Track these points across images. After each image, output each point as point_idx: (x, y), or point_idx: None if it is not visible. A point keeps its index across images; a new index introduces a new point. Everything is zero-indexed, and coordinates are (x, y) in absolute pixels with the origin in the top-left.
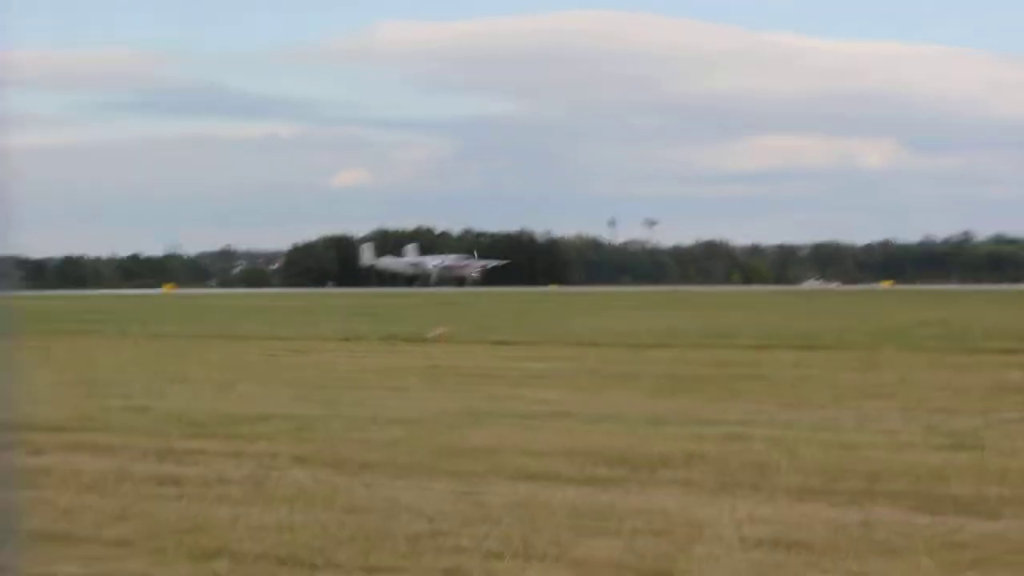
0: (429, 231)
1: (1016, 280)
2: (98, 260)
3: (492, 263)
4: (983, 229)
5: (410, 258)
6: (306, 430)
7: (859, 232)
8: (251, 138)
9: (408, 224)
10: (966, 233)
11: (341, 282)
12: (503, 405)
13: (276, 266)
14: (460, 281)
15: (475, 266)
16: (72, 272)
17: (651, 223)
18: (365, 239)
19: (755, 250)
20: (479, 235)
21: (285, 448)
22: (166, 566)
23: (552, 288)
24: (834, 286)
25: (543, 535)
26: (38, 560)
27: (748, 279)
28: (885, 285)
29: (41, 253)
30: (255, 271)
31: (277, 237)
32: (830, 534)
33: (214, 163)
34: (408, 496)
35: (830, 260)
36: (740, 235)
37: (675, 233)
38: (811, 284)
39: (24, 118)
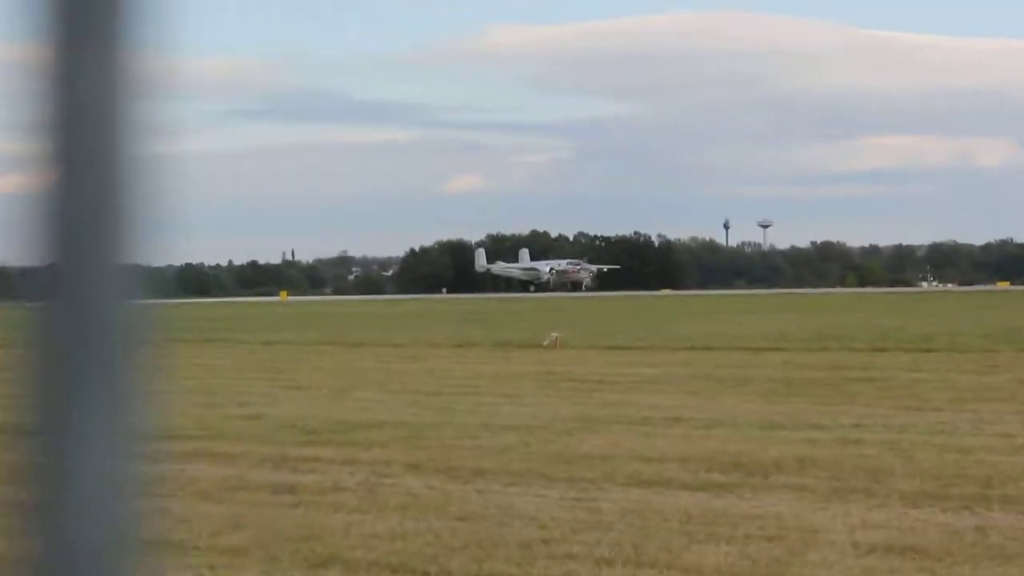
0: (544, 235)
1: None
2: (217, 267)
3: (605, 267)
4: None
5: (524, 263)
6: (419, 437)
7: (977, 232)
8: (368, 143)
9: (523, 228)
10: None
11: (455, 288)
12: (616, 411)
13: (391, 272)
14: (574, 286)
15: (588, 270)
16: (191, 280)
17: (765, 225)
18: (479, 244)
19: (871, 251)
20: (594, 238)
21: (398, 455)
22: (279, 574)
23: (665, 292)
24: (950, 287)
25: (655, 541)
26: (152, 569)
27: (863, 281)
28: (1002, 285)
29: (160, 261)
30: (370, 278)
31: (393, 243)
32: (944, 539)
33: (331, 169)
34: (521, 503)
35: (947, 260)
36: (856, 236)
37: (790, 235)
38: (927, 285)
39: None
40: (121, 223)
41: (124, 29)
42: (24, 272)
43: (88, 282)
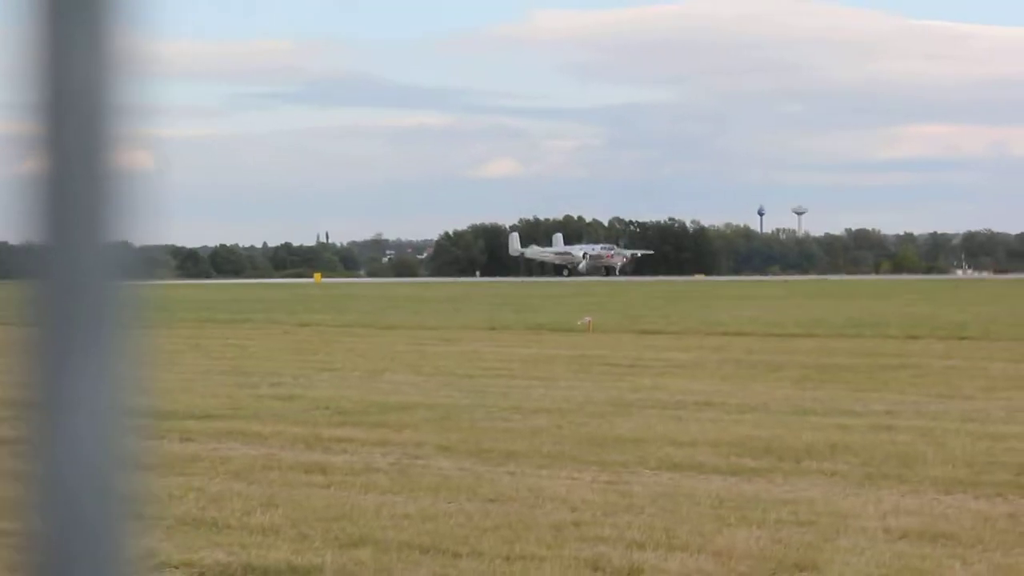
0: (579, 220)
1: None
2: (251, 249)
3: (639, 252)
4: None
5: (558, 247)
6: (451, 419)
7: (1013, 221)
8: (403, 127)
9: (557, 213)
10: None
11: (489, 271)
12: (649, 395)
13: (425, 255)
14: (608, 270)
15: (622, 255)
16: (225, 261)
17: (800, 211)
18: (513, 228)
19: (906, 239)
20: (628, 224)
21: (430, 437)
22: (311, 553)
23: (698, 277)
24: (985, 275)
25: (686, 525)
26: (186, 546)
27: (898, 268)
28: None
29: (195, 242)
30: (404, 260)
31: (427, 226)
32: (976, 526)
33: (366, 153)
34: (552, 486)
35: (982, 249)
36: (891, 224)
37: (825, 222)
38: (962, 273)
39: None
40: (111, 204)
41: (114, 10)
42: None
43: (80, 262)
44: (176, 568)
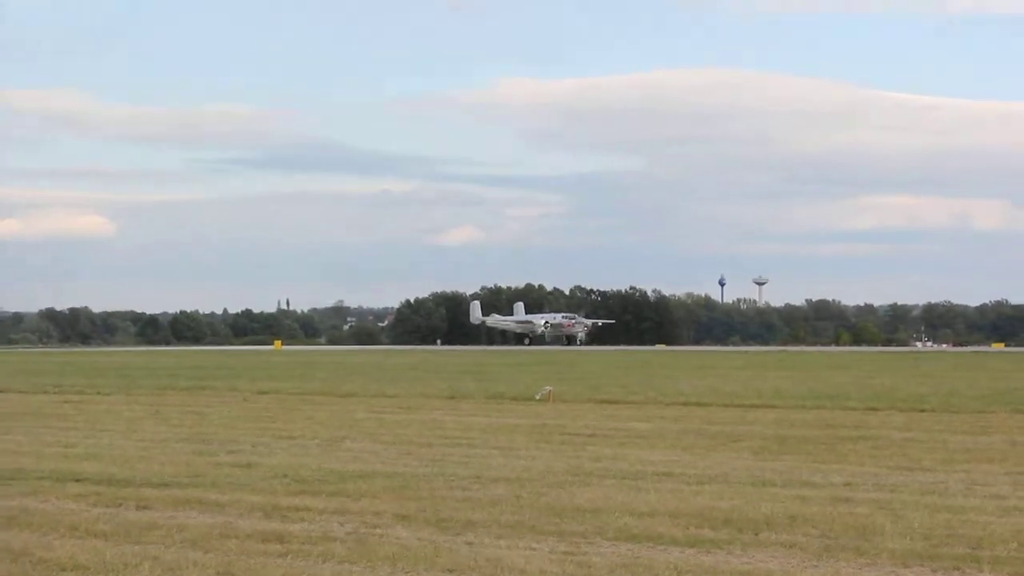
0: (540, 288)
1: None
2: (212, 315)
3: (600, 321)
4: None
5: (519, 316)
6: (410, 488)
7: (972, 293)
8: (365, 194)
9: (518, 281)
10: None
11: (450, 339)
12: (608, 465)
13: (386, 323)
14: (569, 339)
15: (583, 324)
16: (185, 327)
17: (761, 282)
18: (475, 296)
19: (866, 310)
20: (589, 292)
21: (389, 506)
22: None
23: (659, 347)
24: (944, 347)
25: None
26: None
27: (858, 339)
28: (997, 347)
29: (156, 308)
30: (365, 328)
31: (388, 294)
32: None
33: (327, 219)
34: (511, 556)
35: (942, 321)
36: (851, 295)
37: (785, 292)
38: (921, 345)
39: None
40: None
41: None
42: None
43: None
44: None
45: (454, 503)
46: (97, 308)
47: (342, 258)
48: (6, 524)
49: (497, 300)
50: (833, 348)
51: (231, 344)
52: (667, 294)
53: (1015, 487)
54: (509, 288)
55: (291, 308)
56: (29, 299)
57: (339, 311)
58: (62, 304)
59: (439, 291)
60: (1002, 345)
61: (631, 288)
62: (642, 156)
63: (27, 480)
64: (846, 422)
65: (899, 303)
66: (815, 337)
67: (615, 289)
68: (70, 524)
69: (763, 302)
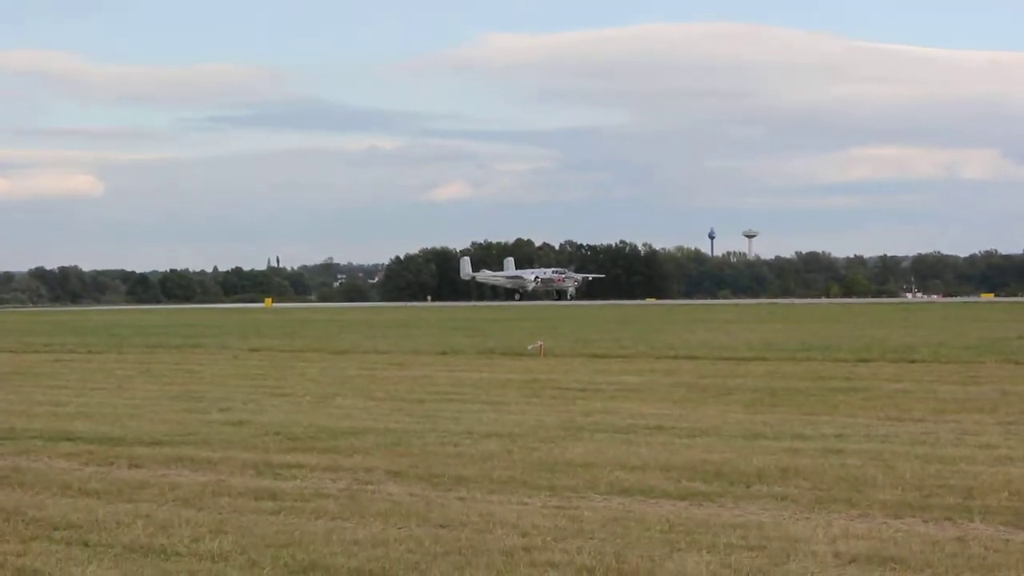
0: (530, 243)
1: None
2: (202, 274)
3: (590, 276)
4: None
5: (509, 271)
6: (402, 444)
7: (962, 243)
8: (354, 151)
9: (508, 237)
10: None
11: (440, 296)
12: (599, 419)
13: (376, 280)
14: (559, 294)
15: (574, 279)
16: (176, 286)
17: (750, 235)
18: (464, 252)
19: (856, 261)
20: (579, 247)
21: (381, 462)
22: None
23: (650, 301)
24: (934, 298)
25: (636, 550)
26: (134, 574)
27: (847, 291)
28: (986, 297)
29: (146, 267)
30: (355, 285)
31: (378, 251)
32: (925, 550)
33: (317, 177)
34: (503, 511)
35: (932, 272)
36: (841, 247)
37: (775, 245)
38: (911, 296)
39: (137, 134)
40: None
41: None
42: None
43: None
44: None
45: (446, 459)
46: (87, 267)
47: (332, 215)
48: None
49: (487, 256)
50: (823, 300)
51: (221, 302)
52: (657, 248)
53: (1005, 436)
54: (499, 243)
55: (281, 266)
56: (19, 258)
57: (329, 268)
58: (52, 263)
59: (429, 247)
60: (992, 295)
61: (621, 242)
62: (631, 110)
63: (18, 439)
64: (837, 374)
65: (889, 254)
66: (805, 289)
67: (605, 243)
68: (62, 483)
69: (753, 255)
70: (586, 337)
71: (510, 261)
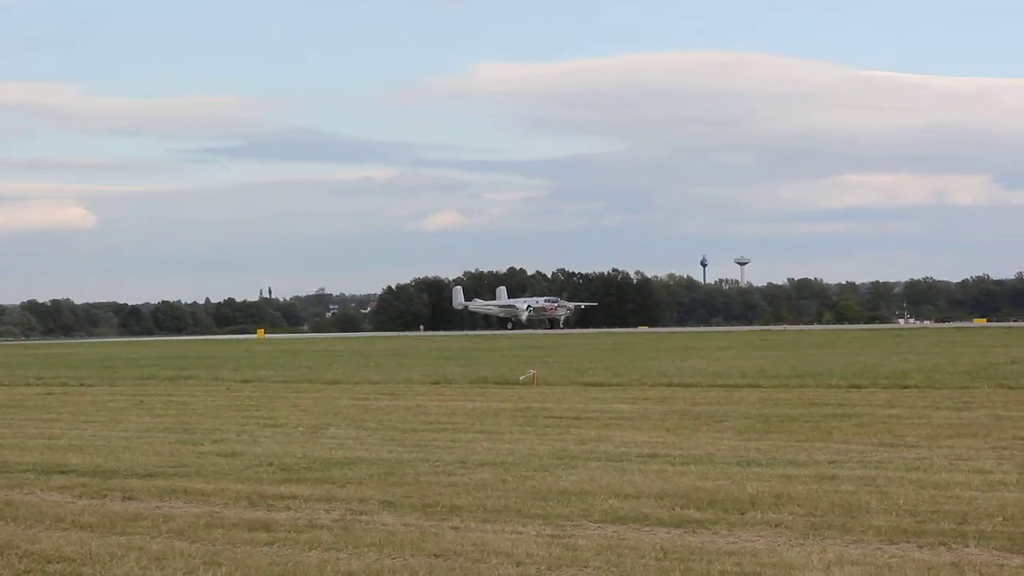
0: (522, 272)
1: None
2: (194, 305)
3: (583, 304)
4: None
5: (501, 300)
6: (395, 474)
7: (954, 269)
8: (345, 181)
9: (500, 266)
10: None
11: (433, 325)
12: (593, 447)
13: (368, 310)
14: (552, 323)
15: (566, 307)
16: (168, 317)
17: (742, 262)
18: (457, 281)
19: (848, 288)
20: (572, 275)
21: (374, 492)
22: None
23: (642, 329)
24: (926, 323)
25: None
26: None
27: (840, 318)
28: (979, 322)
29: (138, 299)
30: (347, 315)
31: (370, 281)
32: (920, 575)
33: (309, 208)
34: (497, 540)
35: (923, 297)
36: (833, 273)
37: (767, 272)
38: (904, 322)
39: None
40: None
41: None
42: None
43: None
44: None
45: (439, 488)
46: (79, 300)
47: (323, 246)
48: None
49: (479, 285)
50: (816, 327)
51: (214, 334)
52: (649, 276)
53: (999, 462)
54: (491, 272)
55: (273, 297)
56: (11, 291)
57: (321, 299)
58: (44, 296)
59: (421, 277)
60: (984, 320)
61: (613, 270)
62: (622, 138)
63: (11, 473)
64: (830, 400)
65: (881, 280)
66: (797, 316)
67: (597, 272)
68: (55, 516)
69: (745, 282)
70: (579, 366)
71: (502, 290)
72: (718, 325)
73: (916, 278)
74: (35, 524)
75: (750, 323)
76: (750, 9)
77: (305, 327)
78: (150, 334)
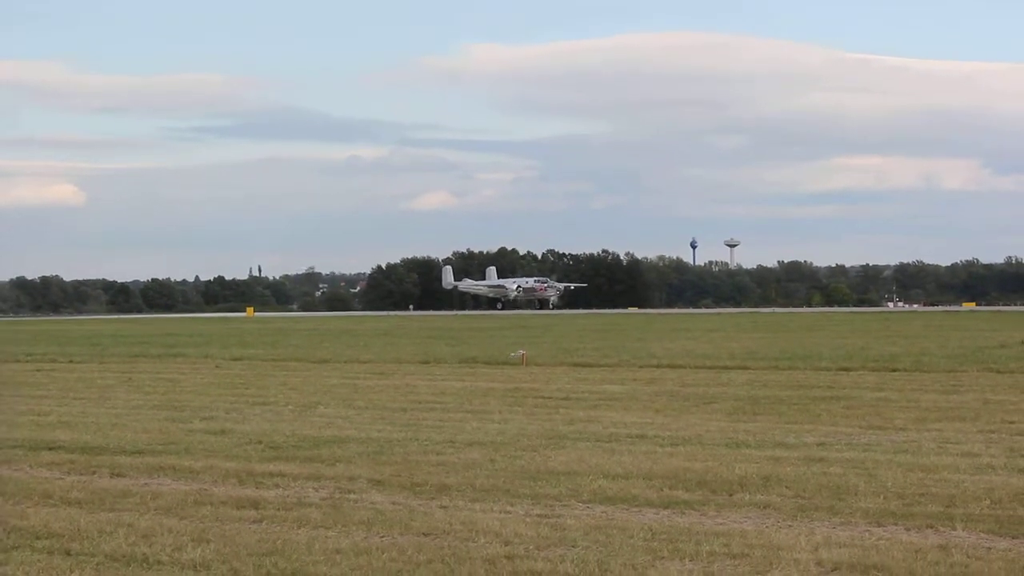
0: (512, 252)
1: None
2: (183, 283)
3: (572, 285)
4: None
5: (491, 280)
6: (384, 453)
7: (943, 253)
8: (335, 160)
9: (490, 246)
10: None
11: (422, 305)
12: (582, 428)
13: (358, 289)
14: (541, 303)
15: (556, 288)
16: (157, 295)
17: (732, 244)
18: (447, 261)
19: (838, 271)
20: (562, 256)
21: (363, 471)
22: None
23: (632, 310)
24: (915, 307)
25: (619, 558)
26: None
27: (829, 300)
28: (968, 306)
29: (127, 276)
30: (337, 294)
31: (360, 260)
32: (907, 558)
33: (298, 187)
34: (485, 519)
35: (913, 281)
36: (823, 256)
37: (757, 254)
38: (893, 305)
39: (118, 143)
40: None
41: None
42: None
43: None
44: None
45: (428, 467)
46: (68, 277)
47: (313, 225)
48: None
49: (469, 265)
50: (805, 310)
51: (203, 312)
52: (639, 257)
53: (987, 445)
54: (481, 253)
55: (263, 275)
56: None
57: (311, 278)
58: (33, 272)
59: (411, 256)
60: (973, 304)
61: (603, 251)
62: (612, 120)
63: (0, 449)
64: (819, 382)
65: (870, 264)
66: (787, 298)
67: (587, 252)
68: (44, 492)
69: (735, 264)
70: (568, 346)
71: (492, 270)
72: (707, 307)
73: (906, 262)
74: (24, 500)
75: (739, 305)
76: None
77: (295, 306)
78: (139, 312)
